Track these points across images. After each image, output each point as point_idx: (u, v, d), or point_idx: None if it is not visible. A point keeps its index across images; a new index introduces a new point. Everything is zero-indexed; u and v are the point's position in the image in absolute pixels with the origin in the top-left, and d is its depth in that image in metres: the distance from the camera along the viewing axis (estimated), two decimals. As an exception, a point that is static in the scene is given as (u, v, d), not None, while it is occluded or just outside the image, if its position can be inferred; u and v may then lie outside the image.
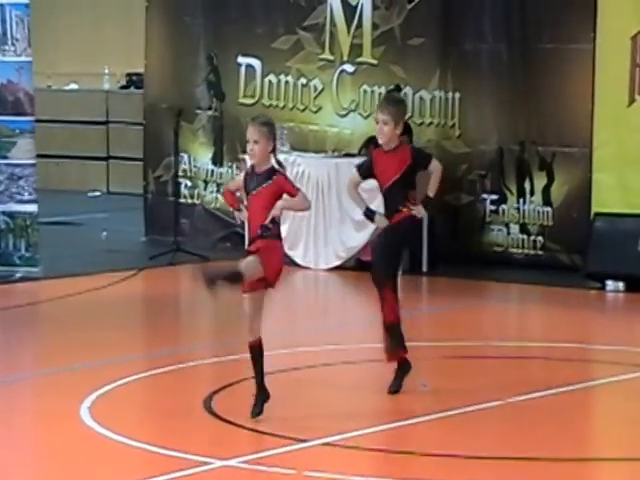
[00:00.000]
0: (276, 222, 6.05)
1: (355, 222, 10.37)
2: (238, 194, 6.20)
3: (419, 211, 6.56)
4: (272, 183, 6.01)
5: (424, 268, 10.25)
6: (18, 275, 9.89)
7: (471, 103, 10.57)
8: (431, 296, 9.98)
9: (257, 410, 6.08)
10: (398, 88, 10.67)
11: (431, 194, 6.65)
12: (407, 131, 10.52)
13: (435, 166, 6.62)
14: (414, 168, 6.53)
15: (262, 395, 6.10)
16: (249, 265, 5.98)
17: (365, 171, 6.69)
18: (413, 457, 5.61)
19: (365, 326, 8.65)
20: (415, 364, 6.76)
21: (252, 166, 6.14)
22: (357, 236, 10.35)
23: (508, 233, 10.48)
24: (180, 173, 11.70)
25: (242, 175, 6.17)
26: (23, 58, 9.96)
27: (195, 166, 11.92)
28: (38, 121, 10.28)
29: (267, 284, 6.06)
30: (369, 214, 6.67)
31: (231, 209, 6.28)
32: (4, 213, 9.98)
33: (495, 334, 8.31)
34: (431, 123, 10.78)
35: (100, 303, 9.11)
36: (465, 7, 10.60)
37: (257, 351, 6.09)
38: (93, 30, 16.34)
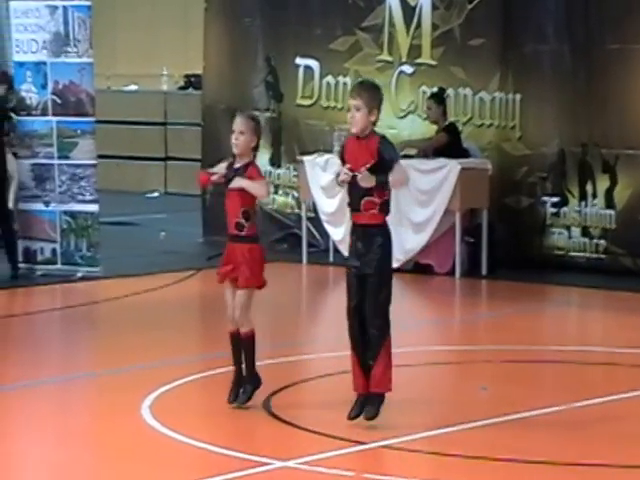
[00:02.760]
0: (250, 219, 6.19)
1: (414, 224, 10.32)
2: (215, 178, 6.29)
3: (364, 177, 5.84)
4: (246, 175, 6.18)
5: (483, 272, 10.18)
6: (79, 275, 9.98)
7: (532, 105, 10.47)
8: (491, 300, 9.88)
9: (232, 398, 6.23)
10: (442, 90, 10.59)
11: (389, 179, 5.88)
12: (454, 132, 10.49)
13: (395, 178, 5.89)
14: (379, 165, 5.87)
15: (253, 382, 6.23)
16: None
17: (340, 156, 6.17)
18: (473, 461, 5.56)
19: (423, 329, 8.60)
20: (474, 368, 6.70)
21: (232, 161, 6.26)
22: (415, 239, 10.30)
23: (569, 236, 10.36)
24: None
25: (225, 165, 6.28)
26: (85, 59, 10.05)
27: (253, 167, 11.93)
28: (98, 122, 10.37)
29: (258, 287, 6.25)
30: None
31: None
32: (66, 213, 10.08)
33: (556, 339, 8.22)
34: (491, 125, 10.69)
35: (158, 304, 9.15)
36: (526, 7, 10.51)
37: (234, 341, 6.26)
38: (151, 32, 16.48)
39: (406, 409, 6.41)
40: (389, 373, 5.94)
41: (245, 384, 6.29)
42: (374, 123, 5.97)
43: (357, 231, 6.02)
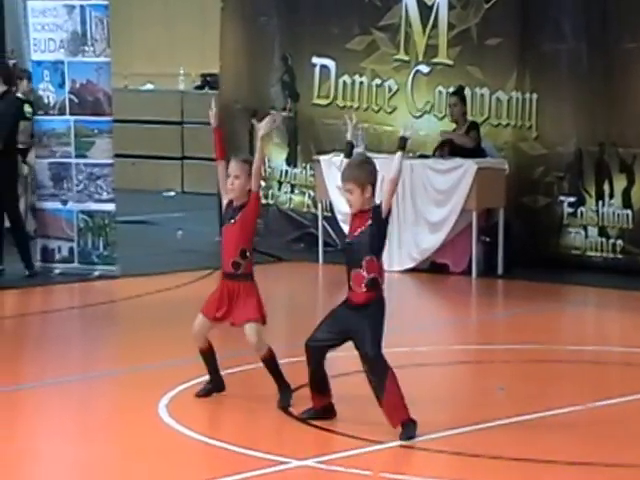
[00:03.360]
0: (247, 257, 6.26)
1: (430, 224, 10.31)
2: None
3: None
4: (241, 215, 6.27)
5: (500, 271, 10.16)
6: (96, 273, 10.00)
7: (549, 104, 10.44)
8: (507, 300, 9.86)
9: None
10: (461, 89, 10.58)
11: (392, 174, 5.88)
12: (474, 128, 10.46)
13: (383, 200, 5.86)
14: (373, 223, 5.86)
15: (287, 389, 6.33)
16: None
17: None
18: (489, 461, 5.56)
19: (440, 328, 8.59)
20: (491, 367, 6.69)
21: (231, 201, 6.36)
22: (431, 238, 10.29)
23: (586, 236, 10.33)
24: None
25: (226, 201, 6.37)
26: (102, 59, 10.07)
27: (269, 167, 11.95)
28: (115, 121, 10.39)
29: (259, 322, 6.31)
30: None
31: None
32: (83, 212, 10.11)
33: (572, 338, 8.20)
34: (508, 124, 10.67)
35: (175, 302, 9.17)
36: (544, 6, 10.48)
37: (206, 355, 6.43)
38: (168, 31, 16.50)
39: (423, 409, 6.40)
40: (401, 404, 5.87)
41: (283, 391, 6.35)
42: (372, 197, 5.88)
43: (346, 304, 5.97)
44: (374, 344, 5.88)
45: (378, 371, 5.89)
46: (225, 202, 6.39)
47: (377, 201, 5.94)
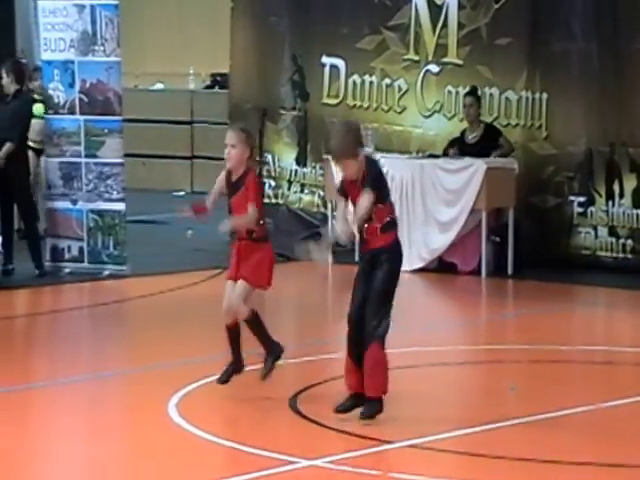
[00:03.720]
0: (260, 223, 6.27)
1: (440, 224, 10.30)
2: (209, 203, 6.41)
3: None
4: (244, 188, 6.26)
5: (509, 271, 10.14)
6: (106, 273, 10.01)
7: (559, 104, 10.42)
8: (517, 299, 9.84)
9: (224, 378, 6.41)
10: (474, 89, 10.57)
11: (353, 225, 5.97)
12: (497, 133, 10.45)
13: (361, 203, 5.90)
14: (367, 178, 5.93)
15: (273, 352, 6.41)
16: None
17: (341, 191, 6.16)
18: (499, 461, 5.55)
19: (450, 328, 8.58)
20: (502, 367, 6.67)
21: (229, 171, 6.32)
22: (441, 238, 10.28)
23: (596, 236, 10.31)
24: (264, 173, 11.74)
25: (222, 176, 6.36)
26: (112, 58, 10.08)
27: (279, 166, 11.95)
28: (125, 121, 10.39)
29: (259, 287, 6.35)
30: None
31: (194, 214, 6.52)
32: (93, 211, 10.12)
33: (582, 339, 8.19)
34: (517, 124, 10.65)
35: (185, 302, 9.18)
36: (554, 6, 10.45)
37: (231, 333, 6.40)
38: (178, 31, 16.51)
39: (433, 408, 6.41)
40: (383, 377, 5.97)
41: (266, 357, 6.39)
42: (361, 160, 5.93)
43: (363, 256, 6.03)
44: (386, 280, 5.94)
45: (378, 313, 5.92)
46: (223, 175, 6.33)
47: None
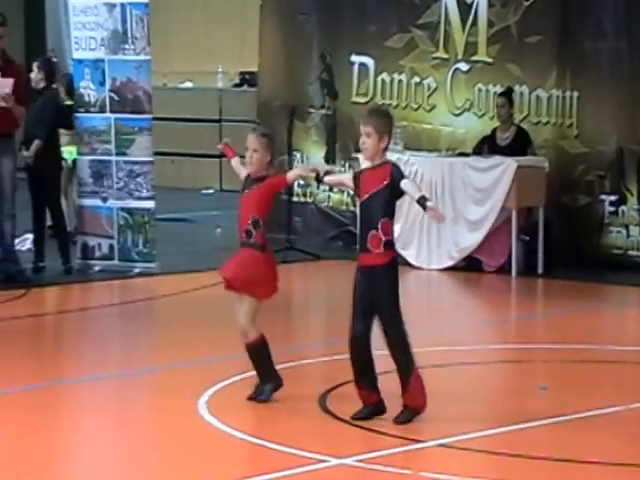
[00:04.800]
0: (260, 227, 6.22)
1: (469, 222, 10.28)
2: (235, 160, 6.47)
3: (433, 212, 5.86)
4: (261, 185, 6.25)
5: (540, 270, 10.10)
6: (136, 270, 10.05)
7: (590, 102, 10.37)
8: (547, 299, 9.80)
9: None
10: (510, 90, 10.52)
11: (418, 194, 5.86)
12: (526, 140, 10.39)
13: (405, 182, 5.89)
14: (391, 186, 5.88)
15: (274, 382, 6.30)
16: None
17: (355, 182, 6.09)
18: (529, 461, 5.52)
19: (480, 327, 8.56)
20: (532, 367, 6.65)
21: (249, 174, 6.34)
22: (471, 237, 10.25)
23: (628, 235, 10.24)
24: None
25: (243, 174, 6.37)
26: (142, 57, 10.11)
27: (308, 164, 11.94)
28: (154, 119, 10.43)
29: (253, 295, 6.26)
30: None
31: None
32: (123, 209, 10.16)
33: (613, 338, 8.14)
34: (548, 122, 10.61)
35: (214, 300, 9.18)
36: (585, 4, 10.40)
37: (252, 351, 6.29)
38: (207, 29, 16.55)
39: (463, 408, 6.39)
40: (424, 391, 6.00)
41: (264, 384, 6.31)
42: (385, 150, 5.96)
43: (363, 271, 5.98)
44: (392, 302, 5.92)
45: (399, 338, 5.91)
46: (243, 175, 6.36)
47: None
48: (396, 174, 5.92)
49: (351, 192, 11.51)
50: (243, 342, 6.38)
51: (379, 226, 5.91)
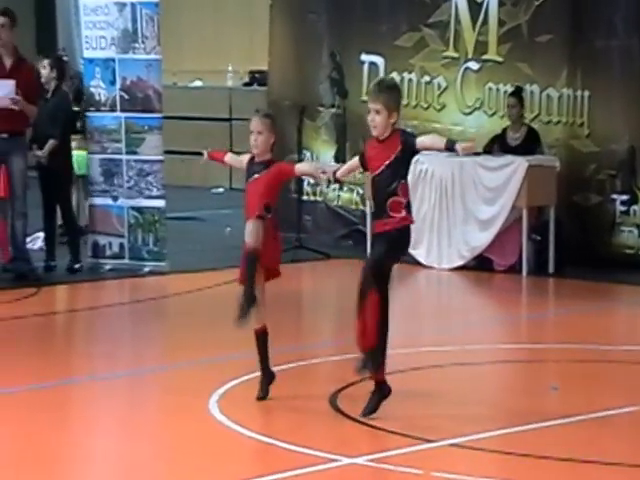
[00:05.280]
0: (271, 211, 6.20)
1: (479, 222, 10.26)
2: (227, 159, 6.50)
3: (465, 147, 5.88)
4: (268, 171, 6.21)
5: (551, 269, 10.07)
6: (146, 269, 10.05)
7: (601, 101, 10.33)
8: (558, 298, 9.79)
9: (263, 394, 6.27)
10: (519, 89, 10.50)
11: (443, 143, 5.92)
12: (536, 139, 10.38)
13: (421, 140, 5.93)
14: (403, 153, 5.90)
15: (267, 377, 6.27)
16: (252, 232, 6.12)
17: (361, 161, 6.12)
18: (542, 461, 5.51)
19: (491, 326, 8.54)
20: (544, 366, 6.63)
21: (253, 156, 6.30)
22: (481, 236, 10.23)
23: (639, 234, 10.22)
24: (301, 169, 11.74)
25: (246, 160, 6.34)
26: (152, 56, 10.12)
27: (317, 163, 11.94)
28: (164, 118, 10.43)
29: (269, 275, 6.24)
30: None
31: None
32: (133, 208, 10.17)
33: (625, 338, 8.12)
34: (559, 122, 10.58)
35: (224, 299, 9.16)
36: (596, 2, 10.36)
37: (262, 337, 6.28)
38: (217, 28, 16.55)
39: (475, 407, 6.38)
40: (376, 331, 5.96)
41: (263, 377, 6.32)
42: (394, 124, 5.95)
43: (381, 235, 5.97)
44: (380, 256, 5.90)
45: (367, 282, 5.88)
46: (246, 159, 6.33)
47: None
48: (407, 140, 5.92)
49: (361, 191, 11.65)
50: (254, 330, 6.31)
51: (398, 191, 5.90)
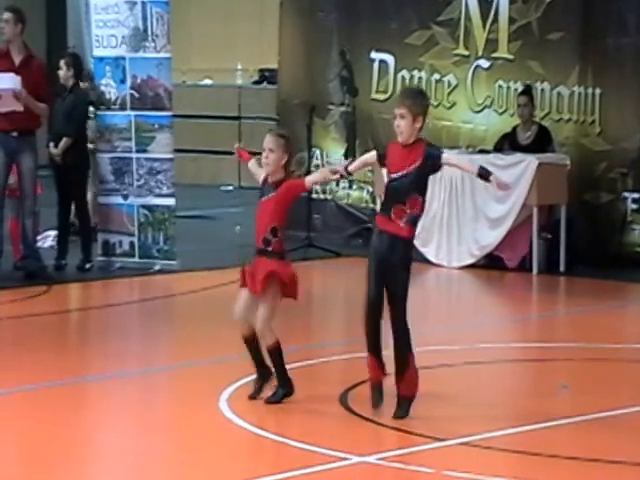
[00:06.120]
0: (277, 236, 6.18)
1: (489, 220, 10.24)
2: (251, 161, 6.47)
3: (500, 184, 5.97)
4: (277, 192, 6.20)
5: (561, 268, 10.06)
6: (156, 268, 10.06)
7: (612, 99, 10.30)
8: (569, 297, 9.77)
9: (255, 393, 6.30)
10: (529, 88, 10.48)
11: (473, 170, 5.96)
12: (547, 138, 10.35)
13: (448, 157, 5.94)
14: (424, 166, 5.88)
15: (284, 387, 6.27)
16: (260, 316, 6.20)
17: (380, 160, 6.08)
18: (552, 460, 5.49)
19: (501, 325, 8.53)
20: (554, 365, 6.61)
21: (267, 177, 6.28)
22: (491, 234, 10.22)
23: (650, 233, 10.20)
24: (312, 168, 11.74)
25: (261, 178, 6.33)
26: (162, 54, 10.12)
27: (327, 162, 11.94)
28: (174, 116, 10.43)
29: (285, 294, 6.24)
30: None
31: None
32: (143, 206, 10.17)
33: (636, 337, 8.09)
34: (569, 120, 10.55)
35: (234, 297, 9.18)
36: (607, 0, 10.34)
37: (250, 345, 6.30)
38: (226, 26, 16.56)
39: (484, 406, 6.36)
40: (417, 377, 6.04)
41: (278, 387, 6.28)
42: (420, 130, 5.93)
43: (381, 235, 5.97)
44: (403, 286, 5.93)
45: (406, 335, 5.95)
46: (261, 179, 6.31)
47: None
48: (431, 153, 5.89)
49: (370, 189, 11.62)
50: (242, 335, 6.30)
51: (407, 201, 5.89)
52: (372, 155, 6.18)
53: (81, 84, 10.43)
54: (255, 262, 6.30)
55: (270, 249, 6.23)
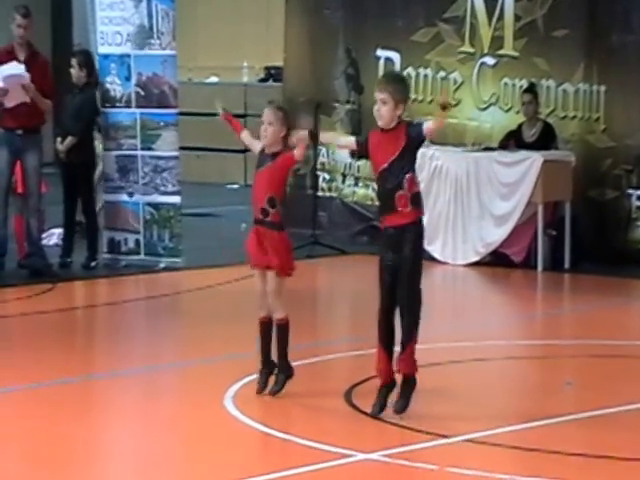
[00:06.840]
0: (276, 206, 6.18)
1: (495, 217, 10.24)
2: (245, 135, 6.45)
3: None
4: (274, 163, 6.23)
5: (566, 265, 10.05)
6: (162, 265, 10.07)
7: (617, 96, 10.29)
8: (574, 294, 9.76)
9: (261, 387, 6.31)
10: (533, 85, 10.47)
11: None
12: (551, 134, 10.34)
13: (428, 125, 5.87)
14: (410, 145, 5.86)
15: (285, 371, 6.29)
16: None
17: (361, 148, 6.06)
18: (557, 456, 5.50)
19: (506, 322, 8.53)
20: (559, 362, 6.61)
21: (264, 147, 6.30)
22: (497, 232, 10.21)
23: (656, 230, 10.19)
24: (318, 166, 11.75)
25: (258, 149, 6.34)
26: (168, 51, 10.12)
27: (333, 159, 11.94)
28: (179, 114, 10.43)
29: (279, 273, 6.24)
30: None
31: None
32: (149, 204, 10.18)
33: (641, 334, 8.09)
34: (575, 117, 10.54)
35: (240, 295, 9.20)
36: (612, -3, 10.35)
37: (265, 328, 6.30)
38: (232, 24, 16.55)
39: (490, 403, 6.37)
40: (415, 362, 6.03)
41: (277, 373, 6.31)
42: (400, 117, 5.92)
43: (390, 234, 5.93)
44: (414, 261, 5.90)
45: (414, 306, 5.92)
46: (257, 149, 6.33)
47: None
48: (412, 131, 5.89)
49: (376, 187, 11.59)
50: (260, 317, 6.33)
51: (405, 184, 5.88)
52: (350, 141, 6.15)
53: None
54: (257, 233, 6.30)
55: (269, 219, 6.25)
